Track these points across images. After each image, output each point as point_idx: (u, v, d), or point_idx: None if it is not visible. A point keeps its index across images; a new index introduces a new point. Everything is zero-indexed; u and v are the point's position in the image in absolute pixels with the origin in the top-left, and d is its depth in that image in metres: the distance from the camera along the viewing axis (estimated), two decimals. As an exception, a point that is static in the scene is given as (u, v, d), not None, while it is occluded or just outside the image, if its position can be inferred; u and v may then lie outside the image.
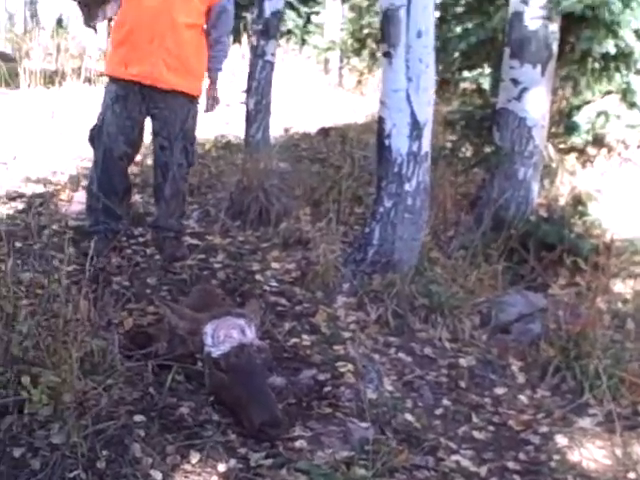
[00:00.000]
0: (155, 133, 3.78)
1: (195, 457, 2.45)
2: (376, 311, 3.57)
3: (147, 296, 3.41)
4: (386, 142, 3.68)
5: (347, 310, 3.57)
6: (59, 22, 20.40)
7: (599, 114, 4.85)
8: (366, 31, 15.85)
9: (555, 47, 4.60)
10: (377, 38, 15.57)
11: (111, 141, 3.67)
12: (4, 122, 6.23)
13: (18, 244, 3.88)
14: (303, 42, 16.95)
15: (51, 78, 7.88)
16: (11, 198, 4.63)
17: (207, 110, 3.87)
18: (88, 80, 8.18)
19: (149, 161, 4.76)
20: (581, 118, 4.89)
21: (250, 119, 5.10)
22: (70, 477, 2.19)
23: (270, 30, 5.07)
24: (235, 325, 2.82)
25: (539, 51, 4.52)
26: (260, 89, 5.09)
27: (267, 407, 2.61)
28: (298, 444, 2.60)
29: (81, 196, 4.68)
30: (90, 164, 4.03)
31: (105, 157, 3.69)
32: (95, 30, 3.76)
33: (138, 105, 3.67)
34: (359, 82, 12.05)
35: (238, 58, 9.61)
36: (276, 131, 5.82)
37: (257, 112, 5.08)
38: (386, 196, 3.72)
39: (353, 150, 6.50)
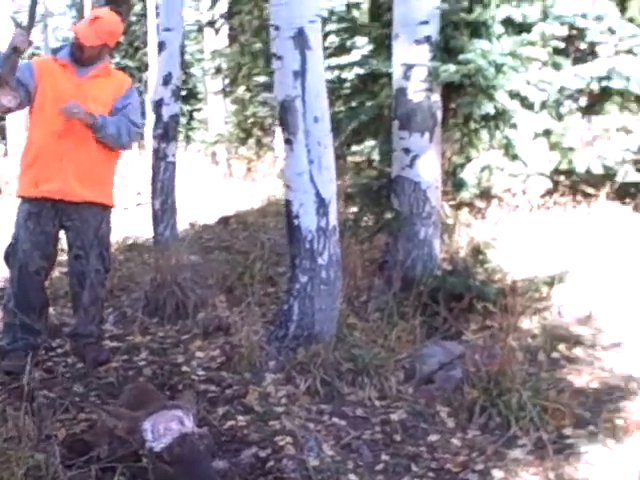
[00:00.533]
0: (69, 244, 3.82)
1: None
2: (305, 382, 3.66)
3: (77, 404, 3.40)
4: (295, 222, 3.86)
5: (277, 386, 3.65)
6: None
7: (483, 169, 5.20)
8: (251, 121, 16.33)
9: (439, 114, 4.95)
10: (262, 127, 16.17)
11: (26, 257, 3.69)
12: None
13: None
14: (188, 138, 17.29)
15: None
16: None
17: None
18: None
19: (56, 272, 4.77)
20: (467, 175, 5.22)
21: (157, 219, 5.22)
22: None
23: (169, 133, 5.27)
24: (173, 417, 2.86)
25: (425, 120, 4.86)
26: (165, 189, 5.24)
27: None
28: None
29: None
30: (1, 283, 4.03)
31: (21, 273, 3.70)
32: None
33: (51, 220, 3.71)
34: (248, 169, 12.34)
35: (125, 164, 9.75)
36: (181, 225, 5.92)
37: (163, 212, 5.22)
38: (300, 272, 3.87)
39: (256, 234, 6.71)
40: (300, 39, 3.93)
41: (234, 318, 4.44)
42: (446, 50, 5.00)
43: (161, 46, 5.29)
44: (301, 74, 3.93)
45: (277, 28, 3.98)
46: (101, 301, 3.90)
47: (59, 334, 4.23)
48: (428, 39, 4.94)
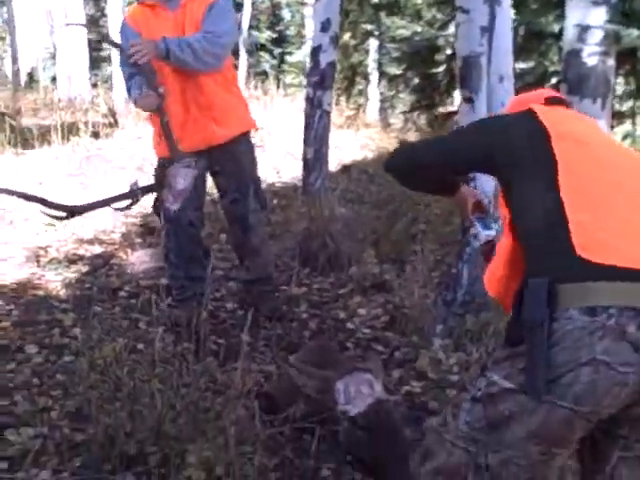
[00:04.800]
0: (222, 189, 3.67)
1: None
2: (476, 351, 3.51)
3: (249, 354, 3.33)
4: (471, 183, 3.66)
5: (447, 352, 3.52)
6: (30, 76, 20.43)
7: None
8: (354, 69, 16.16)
9: (612, 81, 4.64)
10: (365, 75, 15.92)
11: (178, 210, 3.51)
12: (36, 181, 6.15)
13: (98, 308, 3.81)
14: (278, 81, 17.25)
15: (64, 133, 7.75)
16: (72, 261, 4.55)
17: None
18: (95, 134, 8.09)
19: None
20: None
21: (309, 167, 5.09)
22: None
23: (326, 80, 5.09)
24: (364, 380, 2.77)
25: (598, 86, 4.55)
26: (318, 138, 5.09)
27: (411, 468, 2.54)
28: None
29: (142, 254, 4.64)
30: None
31: (175, 228, 3.53)
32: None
33: (201, 170, 3.53)
34: (348, 117, 11.99)
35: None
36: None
37: (316, 160, 5.08)
38: (473, 236, 3.69)
39: (384, 187, 6.53)
40: (491, -7, 3.70)
41: (388, 276, 4.32)
42: (625, 13, 4.66)
43: (320, -8, 5.08)
44: (489, 30, 3.72)
45: (466, -20, 3.74)
46: (267, 241, 3.77)
47: (219, 282, 4.17)
48: (606, 1, 4.61)
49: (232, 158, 3.57)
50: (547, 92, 2.05)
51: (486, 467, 1.67)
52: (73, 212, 3.22)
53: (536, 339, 1.53)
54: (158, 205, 3.62)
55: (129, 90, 3.39)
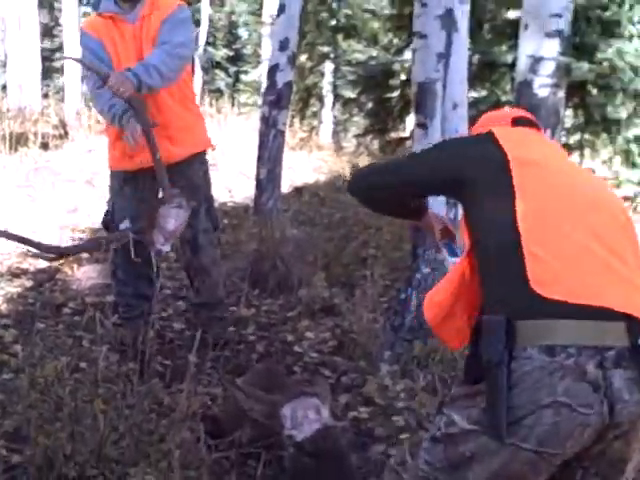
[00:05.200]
0: None
1: None
2: (423, 378, 3.53)
3: (195, 376, 3.29)
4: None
5: (394, 378, 3.52)
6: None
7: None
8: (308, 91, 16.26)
9: (562, 112, 4.76)
10: (320, 97, 16.01)
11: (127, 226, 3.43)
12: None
13: (40, 325, 3.72)
14: (233, 100, 17.27)
15: (12, 143, 7.59)
16: (15, 275, 4.45)
17: None
18: (44, 145, 7.96)
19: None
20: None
21: (262, 187, 5.08)
22: None
23: (282, 100, 5.09)
24: (311, 405, 2.75)
25: (549, 117, 4.67)
26: (272, 158, 5.08)
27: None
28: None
29: (89, 270, 4.56)
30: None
31: (124, 244, 3.36)
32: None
33: (150, 185, 3.43)
34: (301, 139, 11.95)
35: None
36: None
37: (268, 181, 5.07)
38: (423, 263, 3.73)
39: (336, 209, 6.56)
40: (448, 20, 3.76)
41: (337, 300, 4.32)
42: (576, 47, 4.79)
43: (281, 9, 5.09)
44: (445, 56, 3.77)
45: (424, 5, 3.81)
46: (219, 262, 3.74)
47: (167, 301, 4.12)
48: (559, 33, 4.73)
49: (185, 177, 3.48)
50: (515, 112, 2.03)
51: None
52: (62, 254, 3.37)
53: (495, 380, 1.51)
54: (107, 220, 3.57)
55: (113, 113, 3.28)
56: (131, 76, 3.12)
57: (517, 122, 1.93)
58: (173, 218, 3.21)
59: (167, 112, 3.40)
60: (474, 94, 5.40)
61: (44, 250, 3.16)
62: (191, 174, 3.53)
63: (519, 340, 1.53)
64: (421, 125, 3.80)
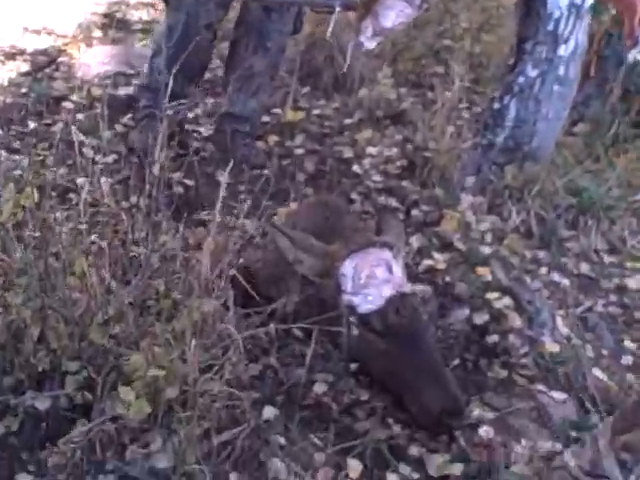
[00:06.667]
0: None
1: (355, 469, 1.72)
2: (517, 215, 2.75)
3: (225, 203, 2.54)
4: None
5: (477, 214, 2.75)
6: None
7: None
8: None
9: None
10: None
11: (199, 4, 2.66)
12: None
13: (32, 123, 2.96)
14: None
15: None
16: (9, 56, 3.61)
17: None
18: None
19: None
20: None
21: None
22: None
23: None
24: (379, 261, 2.01)
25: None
26: None
27: (446, 387, 1.85)
28: (484, 434, 1.87)
29: (100, 53, 3.69)
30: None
31: (187, 25, 2.68)
32: None
33: None
34: None
35: None
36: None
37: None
38: (531, 62, 2.81)
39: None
40: None
41: (406, 104, 3.45)
42: None
43: None
44: None
45: None
46: (275, 72, 2.91)
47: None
48: None
49: None
50: None
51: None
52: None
53: None
54: None
55: None
56: None
57: None
58: (395, 12, 2.30)
59: None
60: None
61: None
62: None
63: None
64: None
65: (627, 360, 2.32)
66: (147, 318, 1.67)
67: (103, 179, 2.35)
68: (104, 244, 1.76)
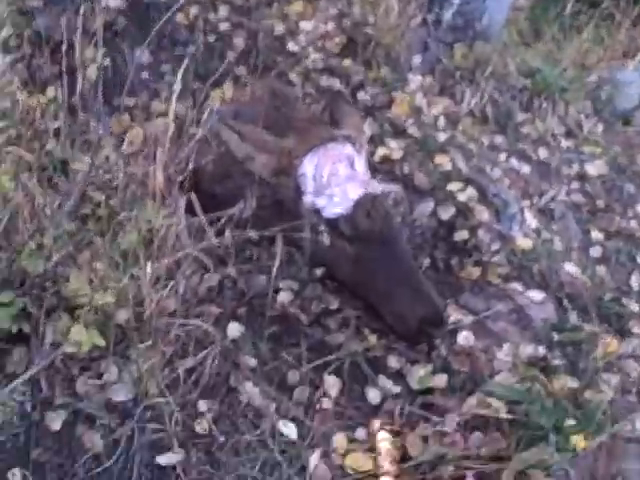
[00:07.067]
0: None
1: (333, 386, 1.53)
2: (470, 97, 2.52)
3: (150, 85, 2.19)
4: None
5: (428, 95, 2.50)
6: None
7: None
8: None
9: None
10: None
11: None
12: None
13: None
14: None
15: None
16: None
17: None
18: None
19: None
20: None
21: None
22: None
23: None
24: (341, 156, 1.75)
25: None
26: None
27: (425, 295, 1.64)
28: (464, 341, 1.70)
29: None
30: None
31: None
32: None
33: None
34: None
35: None
36: None
37: None
38: None
39: None
40: None
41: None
42: None
43: None
44: None
45: None
46: None
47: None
48: None
49: None
50: None
51: None
52: None
53: None
54: None
55: None
56: None
57: None
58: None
59: None
60: None
61: None
62: None
63: None
64: None
65: (596, 252, 2.20)
66: (85, 233, 1.35)
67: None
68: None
